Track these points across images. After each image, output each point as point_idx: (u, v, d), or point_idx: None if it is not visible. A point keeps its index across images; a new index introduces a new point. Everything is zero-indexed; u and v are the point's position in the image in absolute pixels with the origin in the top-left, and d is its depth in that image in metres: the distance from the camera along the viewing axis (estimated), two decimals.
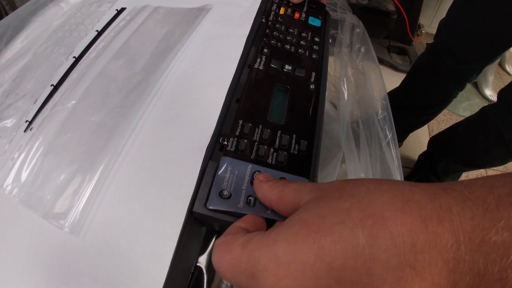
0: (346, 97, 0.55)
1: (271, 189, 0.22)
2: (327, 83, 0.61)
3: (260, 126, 0.30)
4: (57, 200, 0.31)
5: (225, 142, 0.29)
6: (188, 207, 0.26)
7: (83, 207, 0.29)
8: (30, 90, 0.45)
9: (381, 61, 1.51)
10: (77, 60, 0.45)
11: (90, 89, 0.40)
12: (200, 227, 0.29)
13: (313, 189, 0.20)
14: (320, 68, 0.39)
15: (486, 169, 1.14)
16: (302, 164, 0.29)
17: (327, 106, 0.58)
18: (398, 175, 0.42)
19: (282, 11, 0.46)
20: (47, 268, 0.27)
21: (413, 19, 1.49)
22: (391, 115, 0.48)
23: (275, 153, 0.29)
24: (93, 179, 0.31)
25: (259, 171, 0.27)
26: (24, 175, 0.34)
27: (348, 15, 0.62)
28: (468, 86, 1.47)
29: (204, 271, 0.30)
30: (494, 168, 1.15)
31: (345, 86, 0.55)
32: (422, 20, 1.60)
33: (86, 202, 0.30)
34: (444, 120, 1.36)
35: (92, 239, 0.27)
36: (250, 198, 0.25)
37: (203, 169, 0.27)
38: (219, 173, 0.27)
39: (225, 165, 0.27)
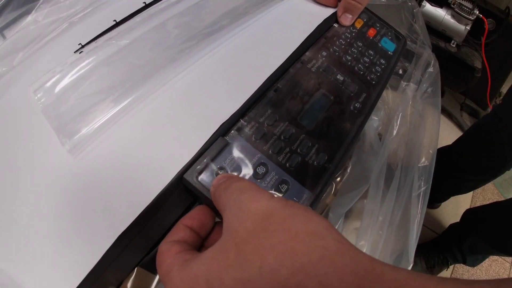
0: (394, 134, 0.51)
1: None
2: (381, 114, 0.58)
3: (287, 122, 0.28)
4: (74, 120, 0.31)
5: (245, 123, 0.27)
6: (180, 170, 0.25)
7: (92, 133, 0.30)
8: (94, 20, 0.47)
9: (450, 116, 1.41)
10: (146, 6, 0.46)
11: (146, 36, 0.41)
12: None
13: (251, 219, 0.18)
14: (373, 92, 0.36)
15: None
16: (312, 176, 0.27)
17: (372, 136, 0.54)
18: (414, 233, 0.39)
19: (358, 23, 0.43)
20: (37, 178, 0.28)
21: (497, 84, 1.37)
22: (433, 168, 0.44)
23: (289, 154, 0.27)
24: (111, 112, 0.31)
25: (264, 164, 0.25)
26: (56, 88, 0.35)
27: (427, 50, 0.58)
28: None
29: None
30: None
31: (398, 122, 0.51)
32: (506, 88, 1.47)
33: (96, 129, 0.30)
34: (492, 200, 1.24)
35: (86, 166, 0.27)
36: None
37: (211, 141, 0.26)
38: (225, 151, 0.26)
39: (234, 146, 0.26)
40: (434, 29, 1.25)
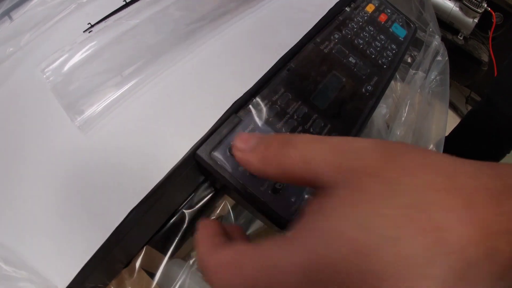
0: (402, 121, 0.51)
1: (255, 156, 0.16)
2: (389, 101, 0.58)
3: (300, 102, 0.28)
4: (83, 97, 0.31)
5: (258, 101, 0.27)
6: (193, 146, 0.25)
7: (102, 110, 0.30)
8: (102, 1, 0.46)
9: (455, 109, 1.40)
10: None
11: (156, 16, 0.41)
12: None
13: (337, 163, 0.14)
14: (385, 76, 0.36)
15: None
16: None
17: (380, 123, 0.54)
18: None
19: (369, 8, 0.43)
20: (47, 154, 0.27)
21: None
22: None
23: (302, 133, 0.27)
24: (121, 90, 0.31)
25: None
26: (65, 67, 0.35)
27: (436, 39, 0.57)
28: None
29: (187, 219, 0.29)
30: None
31: (406, 110, 0.51)
32: None
33: (107, 106, 0.30)
34: None
35: (97, 142, 0.27)
36: None
37: (224, 119, 0.26)
38: (238, 128, 0.26)
39: (247, 123, 0.26)
40: (442, 21, 1.24)
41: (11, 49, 0.42)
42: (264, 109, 0.27)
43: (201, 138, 0.25)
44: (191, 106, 0.28)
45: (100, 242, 0.24)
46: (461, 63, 1.23)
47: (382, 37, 0.40)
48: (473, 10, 1.19)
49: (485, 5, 1.19)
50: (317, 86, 0.30)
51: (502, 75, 0.80)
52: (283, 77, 0.29)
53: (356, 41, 0.37)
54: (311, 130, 0.27)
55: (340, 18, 0.38)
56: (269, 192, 0.24)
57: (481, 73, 1.23)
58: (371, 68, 0.35)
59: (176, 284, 0.29)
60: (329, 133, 0.28)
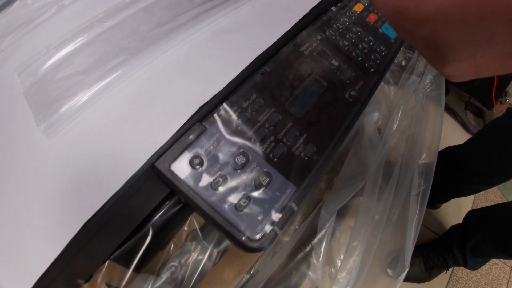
0: (394, 128, 0.48)
1: None
2: (382, 107, 0.55)
3: (273, 109, 0.26)
4: (51, 102, 0.29)
5: (227, 108, 0.25)
6: (150, 158, 0.22)
7: (67, 115, 0.27)
8: (83, 3, 0.44)
9: (454, 114, 1.37)
10: None
11: (130, 18, 0.39)
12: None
13: None
14: (372, 80, 0.33)
15: None
16: (298, 169, 0.24)
17: (371, 130, 0.51)
18: (412, 234, 0.36)
19: (357, 7, 0.41)
20: (12, 161, 0.25)
21: (503, 84, 1.34)
22: (434, 166, 0.41)
23: (273, 144, 0.24)
24: (87, 94, 0.28)
25: (245, 154, 0.23)
26: (39, 71, 0.33)
27: None
28: None
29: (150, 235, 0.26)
30: None
31: (399, 116, 0.48)
32: (511, 88, 1.43)
33: (73, 111, 0.28)
34: (494, 202, 1.21)
35: (59, 148, 0.25)
36: (219, 180, 0.21)
37: (188, 127, 0.24)
38: (202, 138, 0.23)
39: (213, 132, 0.23)
40: None
41: None
42: (233, 117, 0.24)
43: (159, 149, 0.23)
44: (155, 112, 0.26)
45: (56, 253, 0.22)
46: None
47: (371, 38, 0.37)
48: None
49: None
50: (294, 92, 0.27)
51: None
52: (256, 81, 0.27)
53: (341, 43, 0.34)
54: (284, 140, 0.24)
55: (325, 18, 0.36)
56: (233, 209, 0.21)
57: (480, 78, 1.20)
58: (357, 71, 0.32)
59: None
60: (304, 144, 0.25)
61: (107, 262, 0.29)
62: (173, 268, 0.33)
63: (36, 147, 0.27)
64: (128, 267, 0.29)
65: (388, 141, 0.46)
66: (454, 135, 1.29)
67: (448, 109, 1.36)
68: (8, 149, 0.27)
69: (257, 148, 0.24)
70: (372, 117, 0.53)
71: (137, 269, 0.30)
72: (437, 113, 0.48)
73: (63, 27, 0.39)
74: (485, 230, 0.82)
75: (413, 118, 0.48)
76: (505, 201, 1.23)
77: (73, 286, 0.27)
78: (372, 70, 0.34)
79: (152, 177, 0.24)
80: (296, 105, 0.27)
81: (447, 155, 0.93)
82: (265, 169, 0.23)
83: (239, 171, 0.23)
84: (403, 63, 0.60)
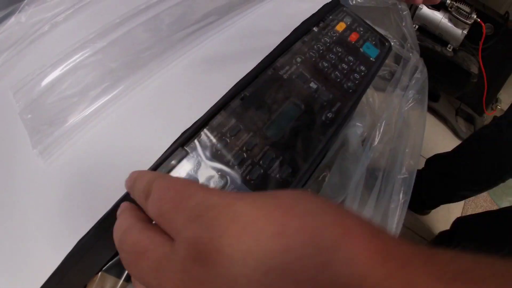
0: (376, 142, 0.50)
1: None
2: (366, 119, 0.57)
3: (251, 133, 0.27)
4: (46, 124, 0.31)
5: (207, 133, 0.26)
6: None
7: (60, 138, 0.29)
8: (76, 21, 0.46)
9: (445, 121, 1.39)
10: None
11: (119, 40, 0.40)
12: None
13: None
14: (349, 101, 0.35)
15: None
16: (273, 189, 0.25)
17: (355, 144, 0.53)
18: None
19: (339, 27, 0.42)
20: (8, 181, 0.27)
21: (493, 90, 1.36)
22: (414, 179, 0.42)
23: (250, 167, 0.26)
24: (79, 117, 0.30)
25: (223, 176, 0.24)
26: (33, 91, 0.35)
27: (415, 55, 0.56)
28: None
29: None
30: None
31: (381, 130, 0.50)
32: (503, 95, 1.45)
33: (65, 135, 0.29)
34: (484, 208, 1.23)
35: (54, 171, 0.27)
36: None
37: (170, 151, 0.25)
38: (183, 162, 0.25)
39: (194, 157, 0.25)
40: (431, 33, 1.23)
41: None
42: (212, 142, 0.26)
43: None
44: (139, 137, 0.28)
45: (53, 267, 0.25)
46: (450, 75, 1.22)
47: (351, 58, 0.39)
48: (462, 22, 1.19)
49: (475, 16, 1.18)
50: (272, 116, 0.29)
51: None
52: (236, 106, 0.28)
53: (320, 64, 0.36)
54: (261, 163, 0.26)
55: (305, 39, 0.38)
56: None
57: (471, 85, 1.23)
58: (335, 93, 0.34)
59: None
60: (280, 166, 0.27)
61: (99, 273, 0.30)
62: None
63: (32, 169, 0.29)
64: (119, 277, 0.30)
65: (370, 155, 0.47)
66: (445, 141, 1.31)
67: (439, 116, 1.38)
68: (6, 169, 0.29)
69: (235, 171, 0.25)
70: (355, 129, 0.54)
71: (128, 279, 0.32)
72: (419, 127, 0.50)
73: (56, 46, 0.41)
74: (472, 237, 0.84)
75: (396, 132, 0.50)
76: (495, 207, 1.25)
77: None
78: (350, 91, 0.35)
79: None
80: (273, 129, 0.28)
81: (435, 162, 0.96)
82: (241, 191, 0.25)
83: (217, 189, 0.24)
84: (387, 76, 0.62)
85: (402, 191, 0.42)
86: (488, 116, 1.46)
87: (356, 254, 0.11)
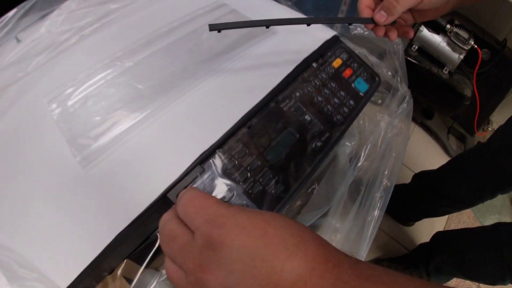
0: (361, 162, 0.57)
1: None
2: (356, 139, 0.64)
3: (254, 156, 0.35)
4: (83, 135, 0.38)
5: (220, 155, 0.34)
6: (165, 190, 0.31)
7: (97, 149, 0.36)
8: (102, 35, 0.53)
9: (437, 138, 1.46)
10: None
11: (146, 61, 0.47)
12: None
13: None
14: (336, 132, 0.42)
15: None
16: (269, 203, 0.33)
17: (343, 162, 0.61)
18: (363, 253, 0.45)
19: (336, 63, 0.50)
20: (47, 183, 0.34)
21: (485, 112, 1.42)
22: (388, 199, 0.50)
23: (252, 183, 0.33)
24: (114, 133, 0.37)
25: (231, 190, 0.32)
26: (68, 102, 0.42)
27: (403, 87, 0.64)
28: (506, 201, 1.39)
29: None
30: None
31: (366, 152, 0.57)
32: (495, 116, 1.52)
33: (102, 145, 0.36)
34: (467, 224, 1.30)
35: (93, 177, 0.34)
36: None
37: (191, 167, 0.33)
38: (201, 177, 0.32)
39: (209, 173, 0.32)
40: (429, 54, 1.30)
41: (19, 74, 0.48)
42: (224, 162, 0.33)
43: (171, 184, 0.32)
44: (168, 155, 0.35)
45: (95, 255, 0.32)
46: (444, 96, 1.29)
47: (342, 93, 0.46)
48: (460, 47, 1.26)
49: (472, 43, 1.25)
50: (271, 143, 0.36)
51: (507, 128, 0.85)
52: (243, 133, 0.36)
53: (315, 99, 0.43)
54: (261, 181, 0.34)
55: (305, 75, 0.45)
56: None
57: (463, 107, 1.29)
58: (325, 124, 0.41)
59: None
60: (275, 184, 0.34)
61: (125, 260, 0.38)
62: None
63: (73, 175, 0.35)
64: (140, 264, 0.38)
65: (355, 172, 0.55)
66: (435, 158, 1.38)
67: (432, 133, 1.45)
68: (48, 173, 0.36)
69: (240, 186, 0.33)
70: (345, 148, 0.62)
71: (147, 266, 0.39)
72: (399, 153, 0.58)
73: (85, 58, 0.48)
74: (449, 252, 0.91)
75: (379, 154, 0.57)
76: (478, 224, 1.33)
77: (100, 276, 0.36)
78: (339, 123, 0.43)
79: (165, 203, 0.33)
80: (272, 154, 0.36)
81: (421, 178, 1.03)
82: (244, 202, 0.32)
83: (225, 202, 0.32)
84: (379, 101, 0.69)
85: (377, 208, 0.49)
86: (479, 137, 1.54)
87: (309, 254, 0.19)
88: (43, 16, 0.58)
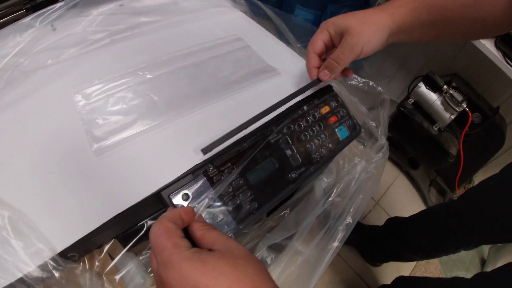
0: (331, 198, 0.64)
1: (198, 229, 0.32)
2: (333, 176, 0.72)
3: (238, 175, 0.42)
4: (100, 129, 0.45)
5: (211, 167, 0.41)
6: (159, 188, 0.39)
7: (112, 144, 0.44)
8: (129, 44, 0.61)
9: (418, 189, 1.54)
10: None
11: (164, 76, 0.55)
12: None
13: (224, 245, 0.30)
14: (312, 167, 0.50)
15: None
16: (243, 216, 0.41)
17: (318, 195, 0.69)
18: (317, 276, 0.52)
19: (324, 109, 0.58)
20: (62, 162, 0.41)
21: (468, 172, 1.50)
22: (346, 238, 0.57)
23: (232, 197, 0.41)
24: (128, 132, 0.45)
25: (213, 199, 0.39)
26: (92, 97, 0.49)
27: (382, 139, 0.72)
28: (475, 259, 1.45)
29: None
30: None
31: (338, 190, 0.65)
32: (478, 177, 1.60)
33: (117, 142, 0.44)
34: (432, 275, 1.36)
35: (103, 165, 0.41)
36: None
37: (184, 175, 0.40)
38: (192, 183, 0.40)
39: (199, 182, 0.40)
40: (423, 109, 1.39)
41: (50, 61, 0.56)
42: (213, 174, 0.41)
43: (165, 184, 0.39)
44: (168, 160, 0.42)
45: (90, 229, 0.38)
46: (431, 151, 1.37)
47: (324, 136, 0.54)
48: (452, 108, 1.35)
49: (464, 106, 1.34)
50: (255, 166, 0.44)
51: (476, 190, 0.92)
52: (233, 154, 0.43)
53: (301, 136, 0.51)
54: (240, 196, 0.41)
55: (295, 115, 0.53)
56: None
57: (447, 164, 1.38)
58: (303, 160, 0.49)
59: (126, 268, 0.42)
60: (251, 201, 0.42)
61: (113, 239, 0.45)
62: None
63: (87, 160, 0.43)
64: (124, 246, 0.45)
65: (326, 206, 0.62)
66: (412, 207, 1.45)
67: (414, 183, 1.53)
68: (68, 153, 0.43)
69: (222, 197, 0.40)
70: (322, 183, 0.70)
71: (129, 250, 0.46)
72: (365, 199, 0.65)
73: (112, 62, 0.55)
74: None
75: (349, 194, 0.65)
76: (443, 275, 1.39)
77: (90, 249, 0.43)
78: (315, 161, 0.51)
79: (158, 199, 0.40)
80: (253, 176, 0.43)
81: (392, 223, 1.10)
82: (223, 211, 0.40)
83: (207, 209, 0.39)
84: (361, 146, 0.77)
85: (337, 240, 0.56)
86: (459, 194, 1.61)
87: None
88: (81, 14, 0.66)
